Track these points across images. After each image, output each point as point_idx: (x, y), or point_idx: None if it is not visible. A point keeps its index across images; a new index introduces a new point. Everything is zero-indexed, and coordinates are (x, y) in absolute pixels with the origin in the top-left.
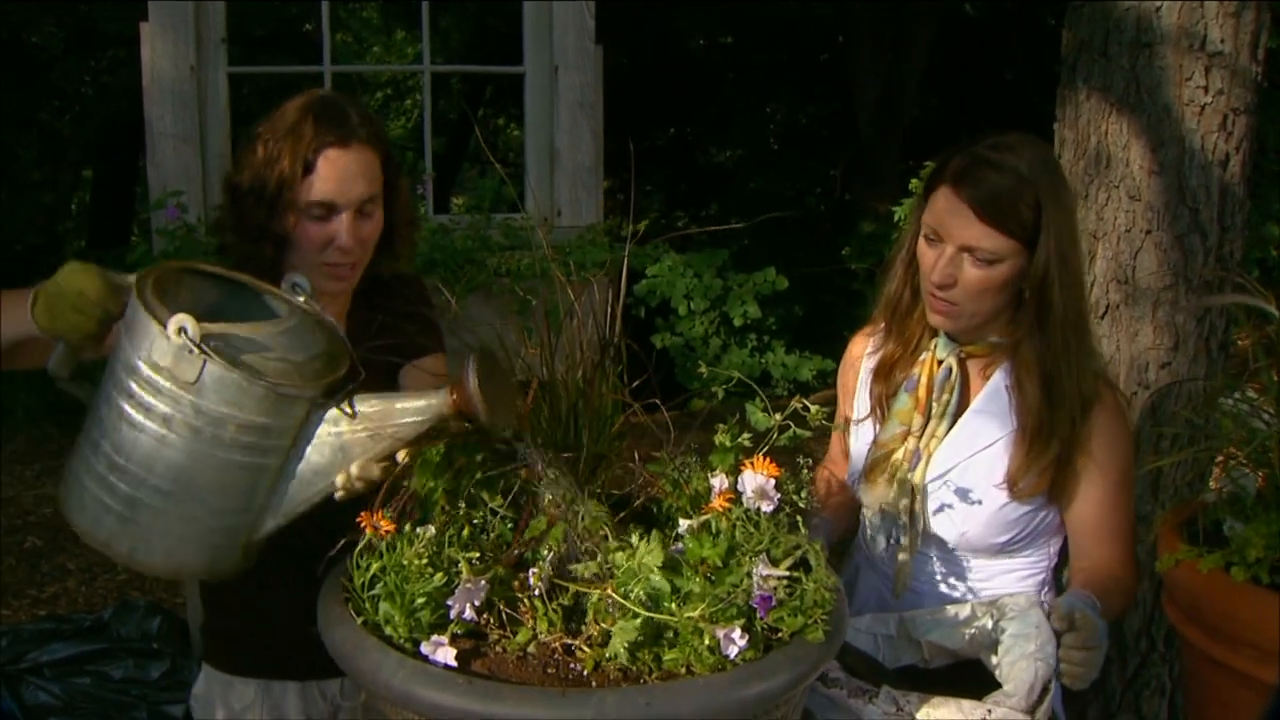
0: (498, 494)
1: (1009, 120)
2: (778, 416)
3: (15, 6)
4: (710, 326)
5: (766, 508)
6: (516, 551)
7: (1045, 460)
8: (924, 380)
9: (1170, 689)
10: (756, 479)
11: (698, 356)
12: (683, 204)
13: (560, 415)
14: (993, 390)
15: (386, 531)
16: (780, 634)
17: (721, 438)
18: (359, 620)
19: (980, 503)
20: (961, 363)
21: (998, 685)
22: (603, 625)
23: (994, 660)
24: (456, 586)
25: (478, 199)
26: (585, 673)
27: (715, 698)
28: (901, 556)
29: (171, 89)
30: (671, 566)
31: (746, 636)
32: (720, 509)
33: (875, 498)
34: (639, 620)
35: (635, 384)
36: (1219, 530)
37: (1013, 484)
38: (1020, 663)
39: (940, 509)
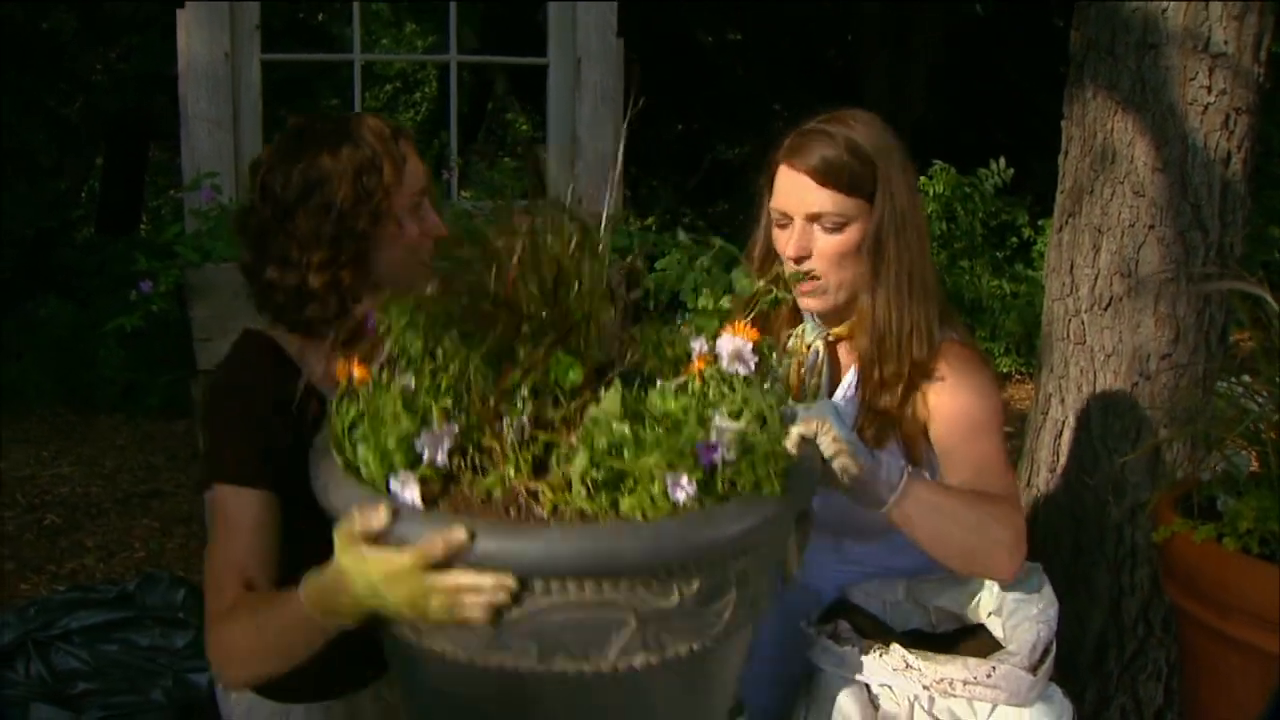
0: (476, 349)
1: (1016, 120)
2: (761, 283)
3: None
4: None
5: (742, 370)
6: (493, 403)
7: (878, 409)
8: (794, 366)
9: (1166, 673)
10: (734, 342)
11: None
12: (690, 200)
13: (546, 279)
14: (856, 366)
15: (360, 380)
16: (740, 488)
17: (705, 301)
18: (340, 460)
19: None
20: (830, 346)
21: (999, 647)
22: (565, 469)
23: (998, 624)
24: (425, 431)
25: (492, 189)
26: (544, 515)
27: (661, 539)
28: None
29: (206, 74)
30: (637, 418)
31: (694, 484)
32: (697, 371)
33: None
34: (590, 454)
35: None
36: (1213, 506)
37: (860, 434)
38: (1023, 624)
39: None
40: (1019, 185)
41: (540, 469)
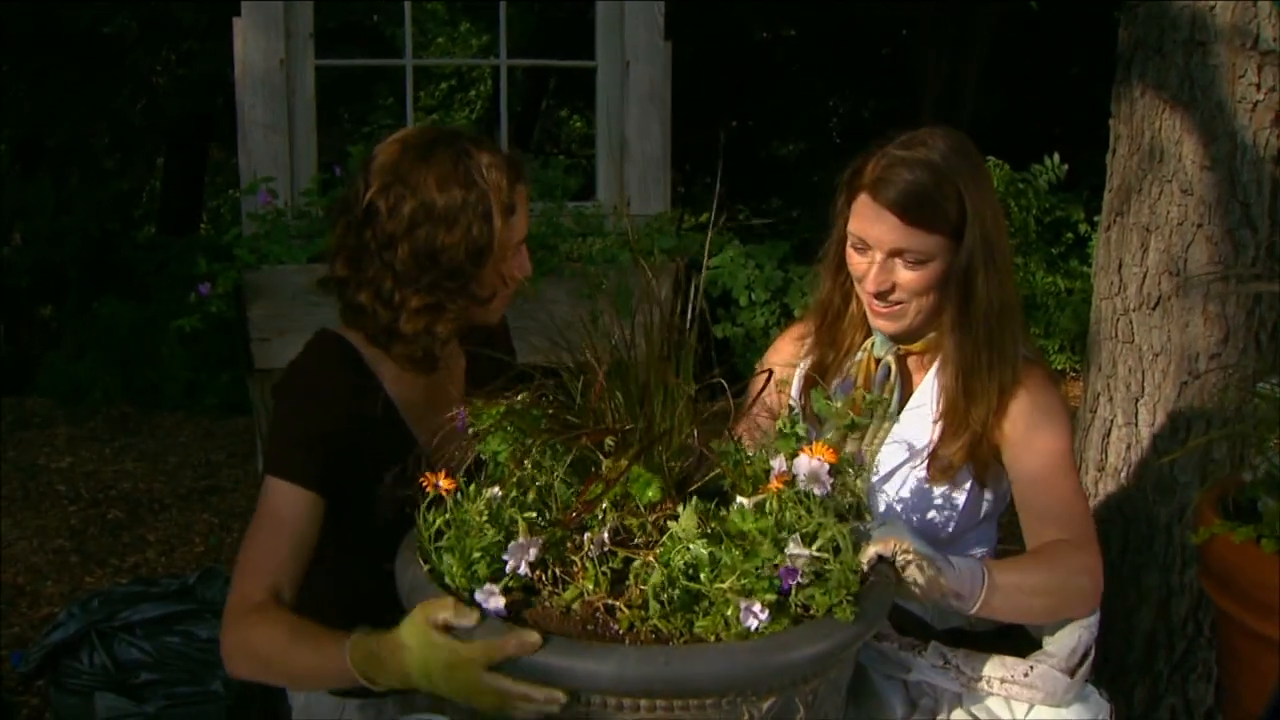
0: (561, 460)
1: (1072, 115)
2: (839, 404)
3: None
4: (771, 317)
5: (819, 491)
6: (575, 515)
7: (954, 446)
8: (861, 380)
9: (1216, 674)
10: (810, 463)
11: (758, 347)
12: (744, 197)
13: (632, 391)
14: (929, 383)
15: (446, 490)
16: (812, 612)
17: (781, 424)
18: (425, 567)
19: (926, 500)
20: (900, 360)
21: (1038, 647)
22: (642, 588)
23: (1037, 624)
24: (513, 542)
25: (544, 188)
26: (620, 631)
27: (732, 663)
28: None
29: (262, 80)
30: (714, 539)
31: (767, 611)
32: (775, 490)
33: None
34: (665, 574)
35: (716, 372)
36: (1254, 507)
37: (931, 465)
38: (1063, 627)
39: (887, 509)
40: (1075, 181)
41: (619, 580)
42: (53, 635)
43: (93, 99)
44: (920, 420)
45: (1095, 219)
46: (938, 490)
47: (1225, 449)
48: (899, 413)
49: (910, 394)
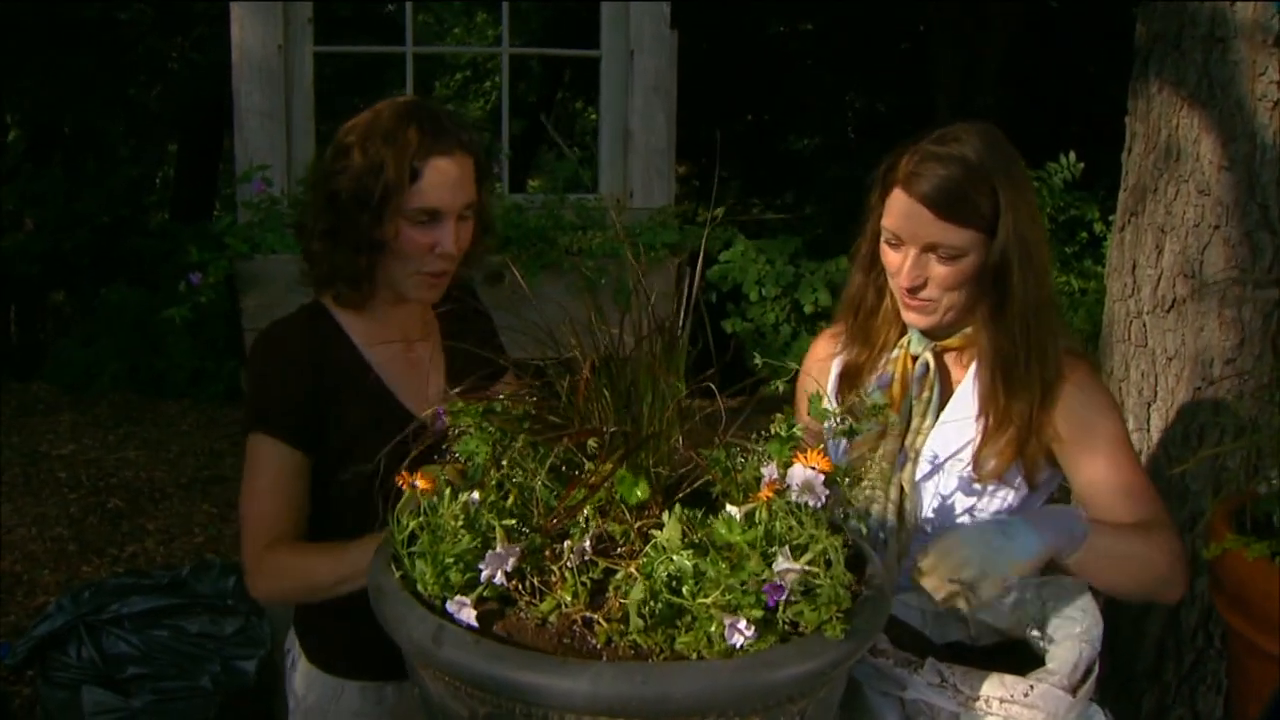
0: (543, 461)
1: (1089, 113)
2: (838, 409)
3: None
4: (781, 313)
5: (812, 502)
6: (556, 521)
7: (1000, 443)
8: (898, 377)
9: (1226, 685)
10: (805, 473)
11: (768, 343)
12: (759, 191)
13: (621, 391)
14: (969, 382)
15: (423, 491)
16: (801, 629)
17: (777, 427)
18: (398, 574)
19: (972, 499)
20: (938, 356)
21: (1041, 664)
22: (622, 601)
23: (1040, 640)
24: (489, 551)
25: (552, 180)
26: (598, 646)
27: (714, 682)
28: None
29: (259, 67)
30: (700, 550)
31: (753, 628)
32: (765, 499)
33: (859, 500)
34: (646, 587)
35: (710, 371)
36: (1269, 521)
37: (977, 466)
38: (1065, 642)
39: (930, 508)
40: (1090, 180)
41: (599, 591)
42: (40, 627)
43: (107, 86)
44: (963, 422)
45: (1110, 218)
46: (985, 490)
47: (1239, 458)
48: (939, 411)
49: (951, 392)
